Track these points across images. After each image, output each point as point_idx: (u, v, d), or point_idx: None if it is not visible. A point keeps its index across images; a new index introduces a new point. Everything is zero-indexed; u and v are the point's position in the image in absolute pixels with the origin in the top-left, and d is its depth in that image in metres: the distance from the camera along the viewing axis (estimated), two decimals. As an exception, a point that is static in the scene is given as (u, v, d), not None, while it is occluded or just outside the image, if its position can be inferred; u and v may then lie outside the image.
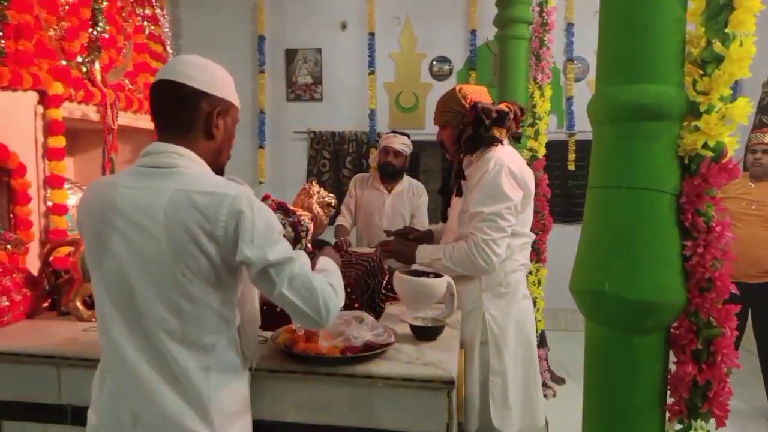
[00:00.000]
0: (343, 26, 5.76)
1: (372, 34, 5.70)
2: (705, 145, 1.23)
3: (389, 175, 3.68)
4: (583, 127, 5.63)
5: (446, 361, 1.51)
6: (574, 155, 5.56)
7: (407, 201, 3.73)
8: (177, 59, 1.27)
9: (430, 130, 5.79)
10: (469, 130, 2.10)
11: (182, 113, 1.23)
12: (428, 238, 2.53)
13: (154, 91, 1.25)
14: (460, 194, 2.24)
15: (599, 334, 1.34)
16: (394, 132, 3.74)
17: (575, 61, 5.63)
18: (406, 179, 3.82)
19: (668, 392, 1.34)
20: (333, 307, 1.21)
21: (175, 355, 1.17)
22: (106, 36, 2.68)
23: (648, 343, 1.29)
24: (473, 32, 5.67)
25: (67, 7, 2.44)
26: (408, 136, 3.76)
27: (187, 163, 1.21)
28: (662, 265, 1.24)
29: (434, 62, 5.78)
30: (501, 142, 2.12)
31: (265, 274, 1.17)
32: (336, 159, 5.74)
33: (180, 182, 1.16)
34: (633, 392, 1.30)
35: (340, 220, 3.82)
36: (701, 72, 1.25)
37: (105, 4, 2.63)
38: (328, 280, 1.25)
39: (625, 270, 1.24)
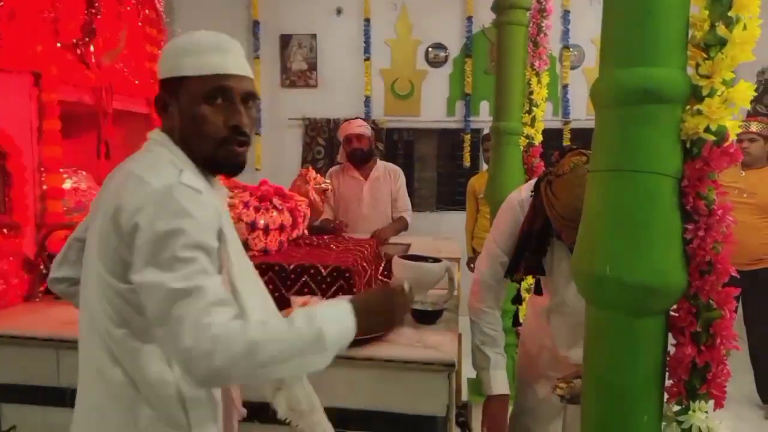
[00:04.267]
0: (339, 12, 5.73)
1: (368, 20, 5.67)
2: (707, 129, 1.23)
3: (361, 160, 3.67)
4: (579, 115, 5.64)
5: (446, 344, 1.52)
6: (569, 143, 5.57)
7: (385, 185, 3.73)
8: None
9: (425, 117, 5.79)
10: None
11: (160, 96, 1.20)
12: None
13: None
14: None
15: (600, 317, 1.34)
16: (345, 119, 3.77)
17: (571, 49, 5.63)
18: (381, 164, 3.82)
19: (666, 374, 1.36)
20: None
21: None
22: (100, 18, 2.65)
23: (649, 325, 1.29)
24: (469, 19, 5.65)
25: (61, -11, 2.41)
26: (360, 118, 3.80)
27: (156, 147, 1.17)
28: (664, 248, 1.24)
29: (430, 49, 5.76)
30: None
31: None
32: (331, 146, 5.73)
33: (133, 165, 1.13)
34: (633, 374, 1.31)
35: (324, 215, 3.82)
36: (704, 55, 1.25)
37: (100, -15, 2.60)
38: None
39: (627, 253, 1.24)
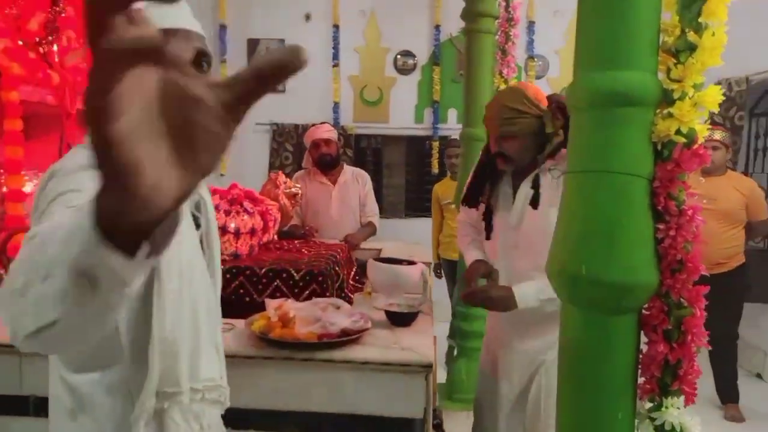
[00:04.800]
0: (308, 17, 5.72)
1: (336, 27, 5.67)
2: (678, 131, 1.27)
3: (328, 166, 3.65)
4: (544, 124, 5.75)
5: (423, 346, 1.52)
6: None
7: (353, 190, 3.73)
8: None
9: (393, 124, 5.81)
10: (554, 131, 1.89)
11: None
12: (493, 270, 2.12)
13: None
14: (536, 206, 1.93)
15: (575, 315, 1.37)
16: (313, 125, 3.76)
17: (536, 59, 5.74)
18: (348, 168, 3.81)
19: (638, 371, 1.38)
20: None
21: None
22: (64, 16, 2.58)
23: (622, 323, 1.32)
24: (437, 27, 5.72)
25: (24, -15, 2.34)
26: (327, 123, 3.79)
27: None
28: (637, 248, 1.27)
29: (398, 56, 5.80)
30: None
31: None
32: (299, 152, 5.70)
33: None
34: (608, 372, 1.33)
35: (292, 221, 3.78)
36: (674, 60, 1.29)
37: (64, -18, 2.53)
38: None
39: (601, 253, 1.27)
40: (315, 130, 3.62)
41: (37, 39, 2.43)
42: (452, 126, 5.63)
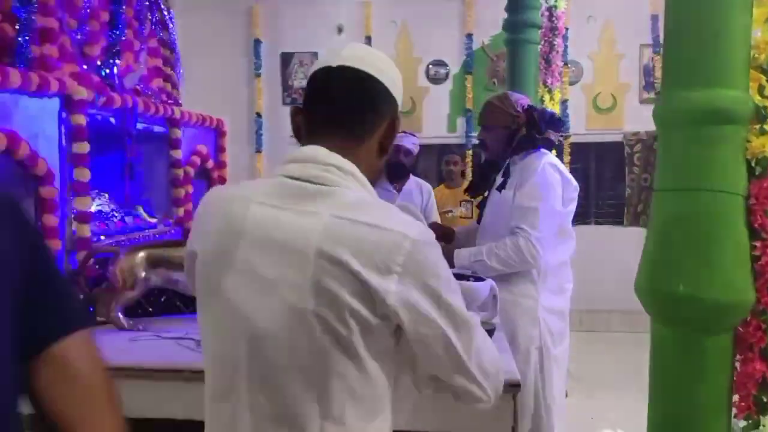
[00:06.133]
0: (340, 30, 5.76)
1: (368, 38, 5.70)
2: (773, 148, 1.26)
3: (398, 174, 3.67)
4: (578, 129, 5.72)
5: (507, 364, 1.52)
6: (569, 157, 5.64)
7: (416, 200, 3.73)
8: (359, 46, 1.02)
9: (426, 134, 5.81)
10: (523, 131, 2.17)
11: (366, 115, 0.96)
12: (470, 237, 2.50)
13: (334, 79, 0.95)
14: (501, 189, 2.28)
15: (668, 334, 1.36)
16: (404, 132, 3.75)
17: (570, 65, 5.71)
18: (413, 178, 3.83)
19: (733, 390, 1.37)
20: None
21: None
22: (124, 39, 2.64)
23: (719, 342, 1.31)
24: (469, 36, 5.72)
25: (88, 10, 2.40)
26: (415, 136, 3.79)
27: (351, 183, 0.92)
28: (735, 266, 1.26)
29: (430, 66, 5.81)
30: (554, 144, 2.21)
31: None
32: (334, 163, 5.73)
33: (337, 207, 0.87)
34: (703, 391, 1.32)
35: None
36: (767, 77, 1.28)
37: (124, 6, 2.59)
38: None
39: (700, 270, 1.26)
40: (402, 137, 3.62)
41: (99, 62, 2.49)
42: (486, 134, 5.62)
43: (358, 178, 0.94)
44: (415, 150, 3.69)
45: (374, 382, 0.89)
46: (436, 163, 6.07)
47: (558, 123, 2.22)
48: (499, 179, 2.27)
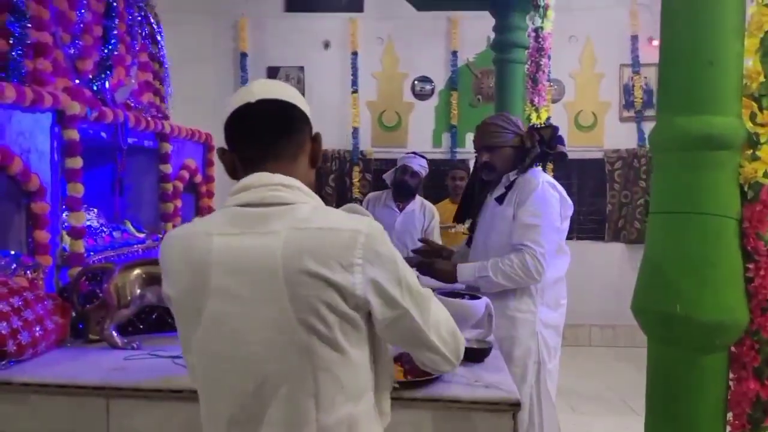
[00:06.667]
0: (327, 45, 5.79)
1: (355, 54, 5.75)
2: (765, 173, 1.31)
3: (403, 194, 3.70)
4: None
5: (505, 383, 1.53)
6: (551, 173, 5.72)
7: (418, 220, 3.75)
8: (267, 81, 1.10)
9: (411, 148, 5.84)
10: (537, 148, 2.18)
11: (292, 136, 1.05)
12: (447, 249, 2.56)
13: (258, 112, 1.02)
14: (501, 201, 2.27)
15: (664, 353, 1.39)
16: (414, 153, 3.78)
17: (552, 83, 5.81)
18: (419, 199, 3.85)
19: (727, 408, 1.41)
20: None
21: None
22: (116, 54, 2.63)
23: (713, 361, 1.35)
24: (454, 53, 5.79)
25: (81, 25, 2.39)
26: (425, 158, 3.81)
27: (300, 196, 1.00)
28: (729, 287, 1.30)
29: (416, 82, 5.87)
30: (567, 157, 2.26)
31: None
32: (318, 177, 5.74)
33: (293, 221, 0.96)
34: (699, 410, 1.36)
35: None
36: (758, 105, 1.33)
37: (117, 21, 2.59)
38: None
39: (695, 292, 1.30)
40: (411, 159, 3.67)
41: (91, 76, 2.48)
42: (470, 150, 5.67)
43: (304, 191, 1.02)
44: (423, 172, 3.71)
45: (357, 369, 0.99)
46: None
47: (561, 137, 2.24)
48: (499, 190, 2.26)
